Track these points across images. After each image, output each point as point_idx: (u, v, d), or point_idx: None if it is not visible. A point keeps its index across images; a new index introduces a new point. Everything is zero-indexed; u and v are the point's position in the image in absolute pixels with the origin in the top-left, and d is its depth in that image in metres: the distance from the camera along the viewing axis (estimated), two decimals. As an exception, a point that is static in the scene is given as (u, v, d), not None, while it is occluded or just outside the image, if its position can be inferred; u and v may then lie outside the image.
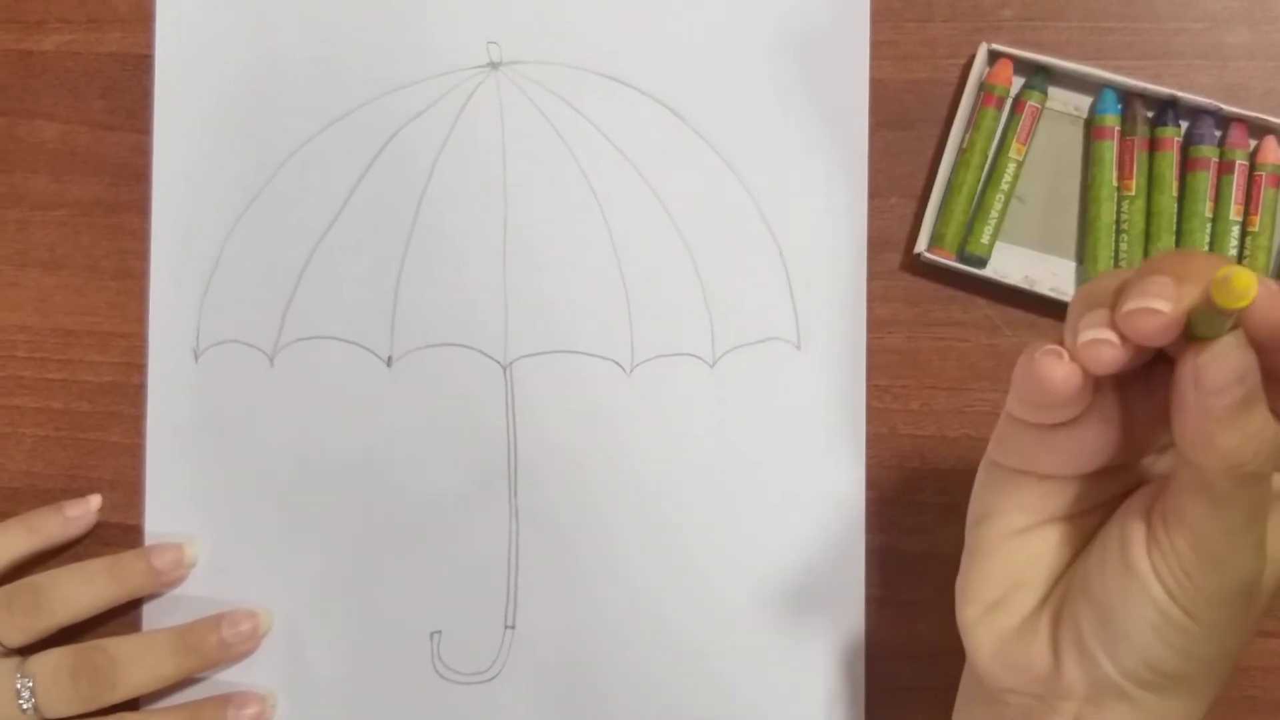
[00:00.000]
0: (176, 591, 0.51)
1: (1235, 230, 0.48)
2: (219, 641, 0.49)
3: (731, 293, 0.51)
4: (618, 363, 0.50)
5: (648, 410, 0.50)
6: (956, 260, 0.49)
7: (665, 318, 0.50)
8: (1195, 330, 0.31)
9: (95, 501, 0.51)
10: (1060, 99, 0.50)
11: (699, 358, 0.51)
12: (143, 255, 0.52)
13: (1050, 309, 0.49)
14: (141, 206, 0.52)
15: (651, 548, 0.50)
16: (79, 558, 0.50)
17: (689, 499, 0.50)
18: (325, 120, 0.52)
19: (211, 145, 0.52)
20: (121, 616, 0.51)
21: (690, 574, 0.50)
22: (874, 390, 0.50)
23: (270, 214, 0.52)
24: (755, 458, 0.50)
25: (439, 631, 0.51)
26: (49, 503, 0.51)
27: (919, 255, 0.49)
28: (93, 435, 0.52)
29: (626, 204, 0.49)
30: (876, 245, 0.50)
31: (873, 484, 0.50)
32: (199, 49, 0.52)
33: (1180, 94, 0.48)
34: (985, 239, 0.49)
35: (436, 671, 0.51)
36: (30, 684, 0.46)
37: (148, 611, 0.51)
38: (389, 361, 0.51)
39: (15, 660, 0.47)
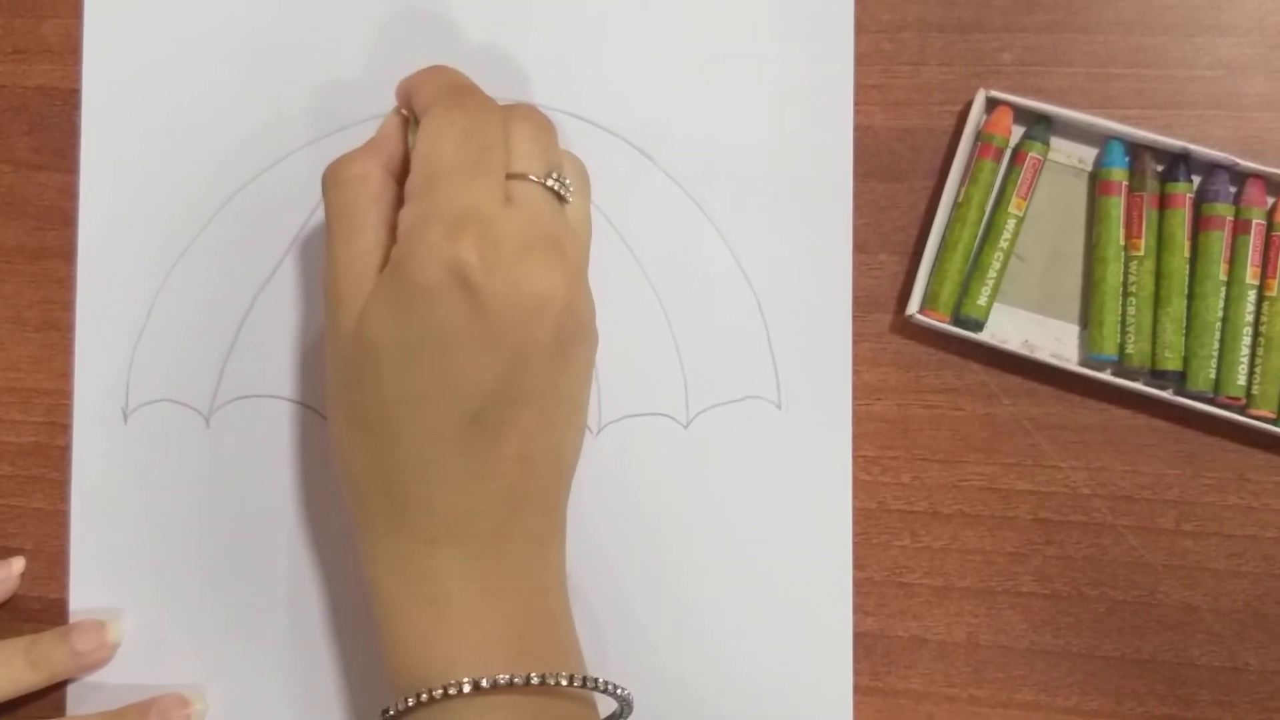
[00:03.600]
0: (104, 671, 0.49)
1: (1252, 295, 0.46)
2: (147, 733, 0.47)
3: (706, 347, 0.49)
4: (584, 424, 0.48)
5: (615, 475, 0.48)
6: (951, 323, 0.47)
7: (634, 375, 0.48)
8: None
9: (18, 565, 0.49)
10: (1063, 150, 0.48)
11: (671, 417, 0.48)
12: (69, 306, 0.50)
13: (1052, 376, 0.47)
14: (68, 253, 0.50)
15: (615, 627, 0.48)
16: (-7, 631, 0.49)
17: (658, 573, 0.48)
18: (267, 160, 0.50)
19: (143, 187, 0.50)
20: (41, 698, 0.48)
21: (660, 656, 0.48)
22: (861, 461, 0.48)
23: (207, 262, 0.50)
24: (732, 529, 0.48)
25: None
26: (-38, 574, 0.49)
27: (910, 317, 0.47)
28: (12, 501, 0.50)
29: (592, 250, 0.46)
30: (864, 305, 0.48)
31: (859, 563, 0.48)
32: (129, 83, 0.50)
33: (1193, 147, 0.46)
34: (982, 300, 0.47)
35: (387, 756, 0.47)
36: None
37: (72, 693, 0.49)
38: (337, 422, 0.48)
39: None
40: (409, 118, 0.43)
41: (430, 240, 0.39)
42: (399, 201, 0.42)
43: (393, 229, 0.41)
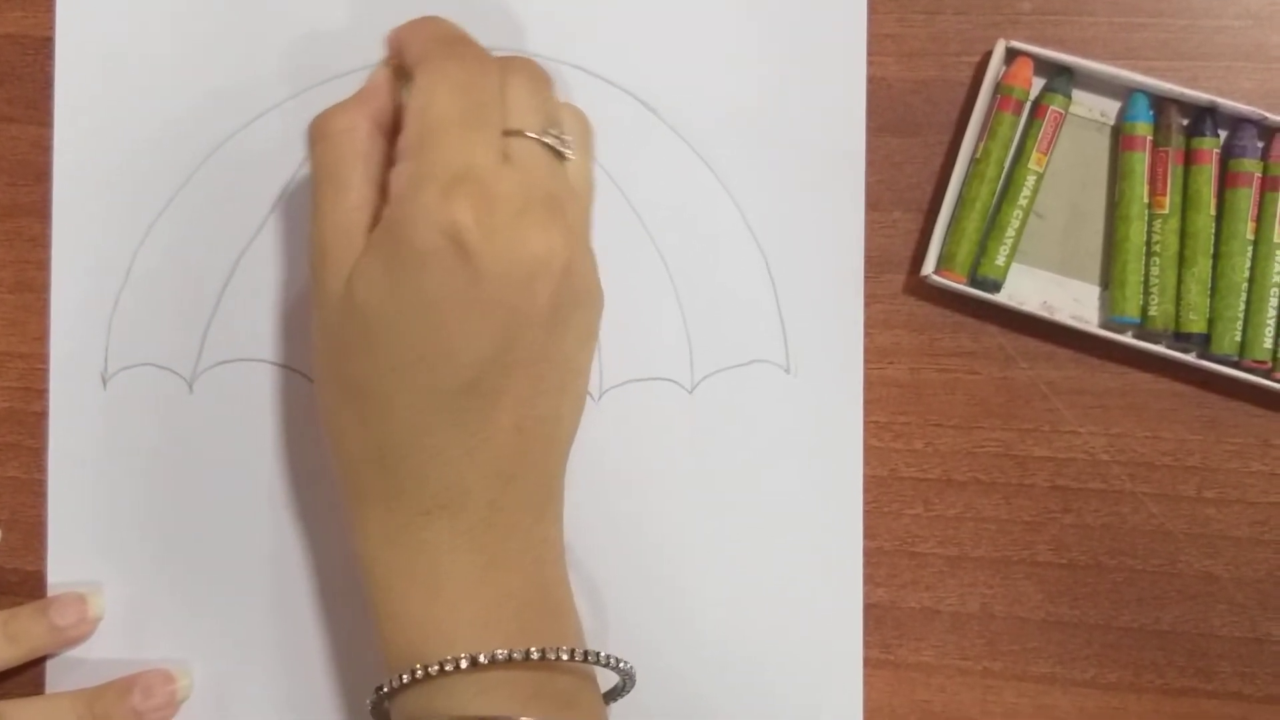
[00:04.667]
0: (85, 646, 0.48)
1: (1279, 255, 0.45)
2: (130, 711, 0.46)
3: (712, 310, 0.48)
4: (584, 389, 0.47)
5: (618, 442, 0.47)
6: (967, 284, 0.46)
7: (637, 338, 0.48)
8: None
9: None
10: (1086, 103, 0.47)
11: (675, 382, 0.48)
12: (44, 265, 0.49)
13: (1071, 339, 0.46)
14: (42, 210, 0.49)
15: (616, 598, 0.47)
16: (-30, 606, 0.48)
17: (661, 543, 0.47)
18: (251, 113, 0.48)
19: (121, 141, 0.48)
20: (20, 674, 0.47)
21: (663, 628, 0.47)
22: (872, 427, 0.47)
23: (188, 219, 0.48)
24: (738, 497, 0.47)
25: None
26: (-64, 546, 0.48)
27: (925, 277, 0.46)
28: None
29: (594, 209, 0.45)
30: (877, 265, 0.47)
31: (870, 532, 0.47)
32: (105, 30, 0.49)
33: (1220, 100, 0.45)
34: (1000, 260, 0.46)
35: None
36: None
37: (51, 668, 0.48)
38: (325, 387, 0.48)
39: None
40: (398, 70, 0.42)
41: (425, 201, 0.37)
42: (387, 157, 0.40)
43: (381, 186, 0.40)
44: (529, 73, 0.41)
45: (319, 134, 0.41)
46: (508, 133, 0.39)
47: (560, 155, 0.40)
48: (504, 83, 0.40)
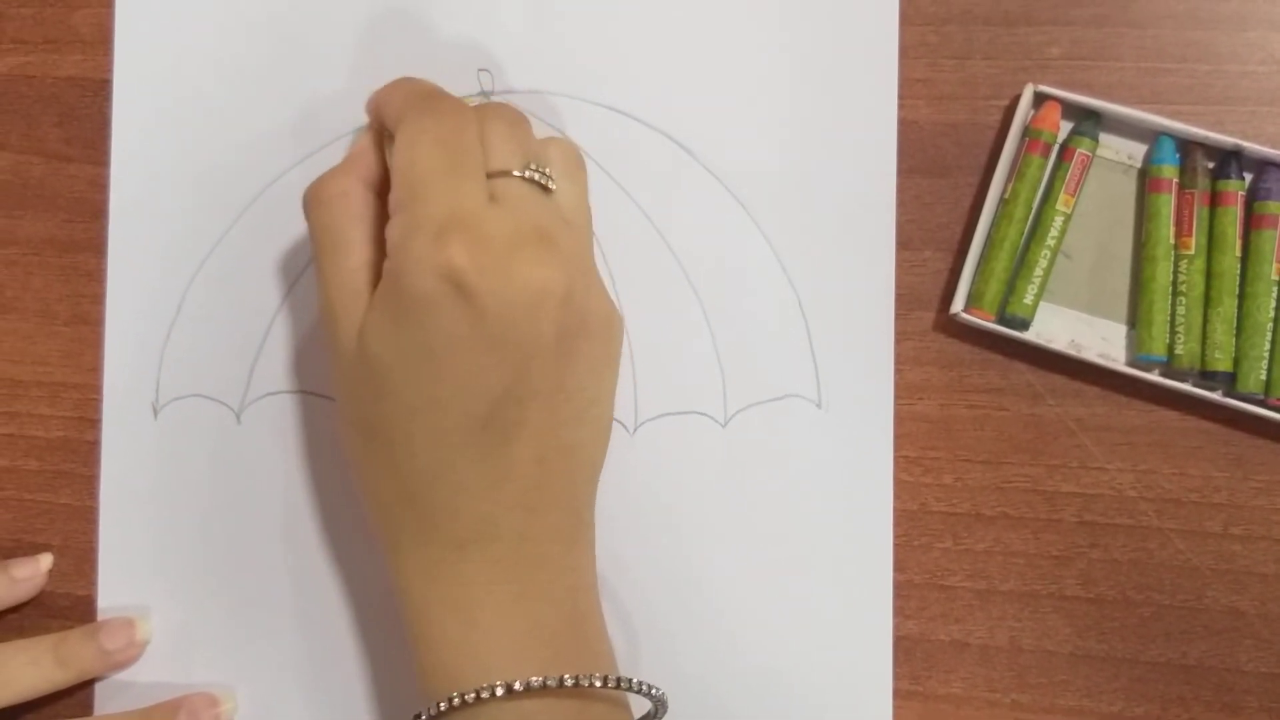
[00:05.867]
0: (133, 669, 0.48)
1: (1305, 295, 0.45)
2: (176, 733, 0.46)
3: (745, 345, 0.48)
4: (620, 422, 0.47)
5: (652, 474, 0.48)
6: (996, 322, 0.46)
7: (672, 372, 0.48)
8: None
9: (46, 561, 0.49)
10: (1113, 146, 0.47)
11: (709, 416, 0.48)
12: (99, 299, 0.49)
13: (1099, 377, 0.46)
14: (98, 246, 0.49)
15: (649, 628, 0.47)
16: (22, 628, 0.49)
17: (693, 574, 0.47)
18: (300, 154, 0.49)
19: (175, 179, 0.49)
20: (69, 697, 0.48)
21: (695, 658, 0.47)
22: (902, 462, 0.47)
23: (238, 256, 0.49)
24: (770, 530, 0.47)
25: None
26: (-9, 569, 0.48)
27: (955, 315, 0.46)
28: (40, 496, 0.49)
29: (630, 247, 0.46)
30: (907, 303, 0.47)
31: (900, 565, 0.47)
32: (161, 73, 0.49)
33: (1245, 143, 0.45)
34: (1028, 299, 0.46)
35: (418, 759, 0.47)
36: None
37: (100, 691, 0.48)
38: (368, 418, 0.47)
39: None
40: (381, 132, 0.43)
41: (419, 250, 0.38)
42: (382, 215, 0.41)
43: (380, 244, 0.41)
44: (505, 116, 0.42)
45: (314, 200, 0.42)
46: (492, 175, 0.40)
47: (545, 189, 0.41)
48: (482, 129, 0.41)
